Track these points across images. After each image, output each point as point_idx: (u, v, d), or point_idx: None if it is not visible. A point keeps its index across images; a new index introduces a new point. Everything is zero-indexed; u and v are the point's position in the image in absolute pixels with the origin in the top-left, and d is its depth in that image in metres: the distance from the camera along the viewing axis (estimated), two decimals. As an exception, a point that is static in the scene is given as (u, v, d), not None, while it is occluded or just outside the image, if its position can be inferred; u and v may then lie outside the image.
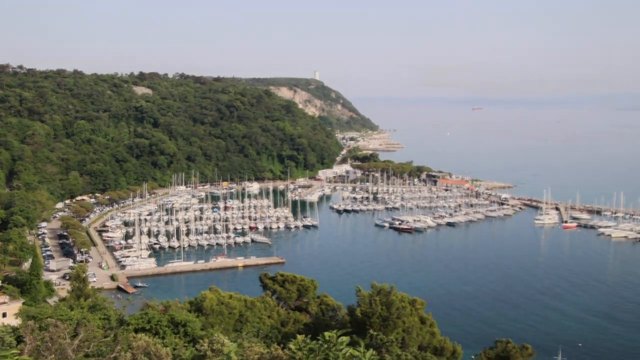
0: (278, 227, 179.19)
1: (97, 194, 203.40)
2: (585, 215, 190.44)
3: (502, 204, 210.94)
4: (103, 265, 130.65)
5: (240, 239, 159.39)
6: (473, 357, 46.39)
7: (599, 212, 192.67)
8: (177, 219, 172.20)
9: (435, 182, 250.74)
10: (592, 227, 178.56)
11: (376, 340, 29.03)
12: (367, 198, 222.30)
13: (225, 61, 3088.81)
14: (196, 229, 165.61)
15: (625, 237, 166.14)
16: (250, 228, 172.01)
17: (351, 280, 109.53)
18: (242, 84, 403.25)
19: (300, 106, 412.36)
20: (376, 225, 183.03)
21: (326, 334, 11.98)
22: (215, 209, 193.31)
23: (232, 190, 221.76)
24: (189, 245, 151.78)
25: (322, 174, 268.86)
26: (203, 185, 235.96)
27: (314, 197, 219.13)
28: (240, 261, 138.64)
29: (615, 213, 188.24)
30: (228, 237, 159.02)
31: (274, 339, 25.29)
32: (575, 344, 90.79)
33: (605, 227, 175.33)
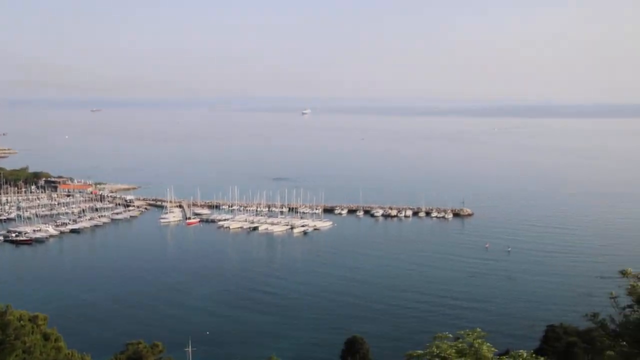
0: None
1: None
2: (206, 211, 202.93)
3: (128, 205, 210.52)
4: None
5: None
6: (105, 364, 45.46)
7: (217, 207, 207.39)
8: None
9: (55, 188, 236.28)
10: (212, 221, 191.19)
11: (-8, 368, 26.37)
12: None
13: None
14: None
15: (241, 227, 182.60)
16: None
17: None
18: None
19: None
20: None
21: None
22: None
23: None
24: None
25: None
26: None
27: None
28: None
29: (232, 206, 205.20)
30: None
31: None
32: (204, 333, 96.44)
33: (224, 220, 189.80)
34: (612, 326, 18.00)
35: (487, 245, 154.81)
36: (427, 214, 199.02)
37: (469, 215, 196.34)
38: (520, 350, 19.66)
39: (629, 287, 17.45)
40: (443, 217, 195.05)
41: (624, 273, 17.84)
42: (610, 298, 18.22)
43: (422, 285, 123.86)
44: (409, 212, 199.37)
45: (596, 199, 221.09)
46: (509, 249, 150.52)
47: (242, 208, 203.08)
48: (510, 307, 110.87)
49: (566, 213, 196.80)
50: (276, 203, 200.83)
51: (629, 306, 17.69)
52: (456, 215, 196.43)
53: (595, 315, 18.64)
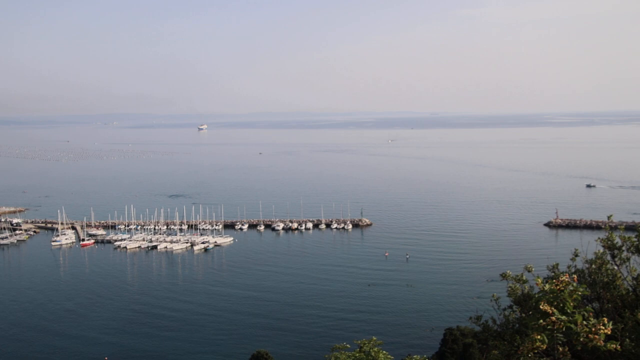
0: None
1: None
2: (101, 231, 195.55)
3: (15, 229, 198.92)
4: None
5: None
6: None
7: (113, 227, 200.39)
8: None
9: None
10: (108, 241, 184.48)
11: None
12: None
13: None
14: None
15: (139, 247, 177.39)
16: None
17: None
18: None
19: None
20: None
21: None
22: None
23: None
24: None
25: None
26: None
27: None
28: None
29: (129, 226, 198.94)
30: None
31: None
32: (102, 358, 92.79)
33: (121, 240, 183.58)
34: (494, 327, 19.34)
35: (386, 254, 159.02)
36: (328, 225, 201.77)
37: (368, 225, 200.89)
38: (415, 356, 20.60)
39: (509, 289, 18.80)
40: (343, 228, 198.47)
41: (504, 276, 19.18)
42: (492, 300, 19.58)
43: (324, 299, 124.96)
44: (310, 225, 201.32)
45: (487, 207, 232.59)
46: (408, 256, 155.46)
47: (139, 227, 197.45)
48: (410, 313, 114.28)
49: (460, 220, 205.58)
50: (175, 220, 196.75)
51: (509, 307, 19.06)
52: (356, 225, 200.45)
53: (478, 317, 19.93)
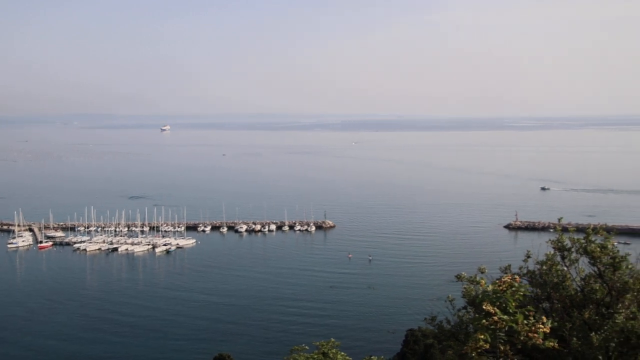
0: None
1: None
2: (60, 233, 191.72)
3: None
4: None
5: None
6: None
7: (73, 229, 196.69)
8: None
9: None
10: (67, 243, 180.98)
11: None
12: None
13: None
14: None
15: (99, 249, 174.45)
16: None
17: None
18: None
19: None
20: None
21: None
22: None
23: None
24: None
25: None
26: None
27: None
28: None
29: (89, 227, 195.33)
30: None
31: None
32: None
33: (80, 242, 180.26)
34: (448, 327, 19.76)
35: (349, 256, 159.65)
36: (291, 227, 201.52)
37: (332, 227, 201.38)
38: (373, 357, 20.89)
39: (463, 290, 19.22)
40: (306, 230, 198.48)
41: (459, 277, 19.59)
42: (446, 301, 20.00)
43: (286, 301, 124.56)
44: (273, 227, 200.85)
45: (449, 209, 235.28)
46: (370, 258, 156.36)
47: (99, 229, 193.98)
48: (372, 315, 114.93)
49: (422, 222, 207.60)
50: (136, 222, 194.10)
51: (464, 307, 19.50)
52: (319, 227, 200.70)
53: (433, 318, 20.35)
